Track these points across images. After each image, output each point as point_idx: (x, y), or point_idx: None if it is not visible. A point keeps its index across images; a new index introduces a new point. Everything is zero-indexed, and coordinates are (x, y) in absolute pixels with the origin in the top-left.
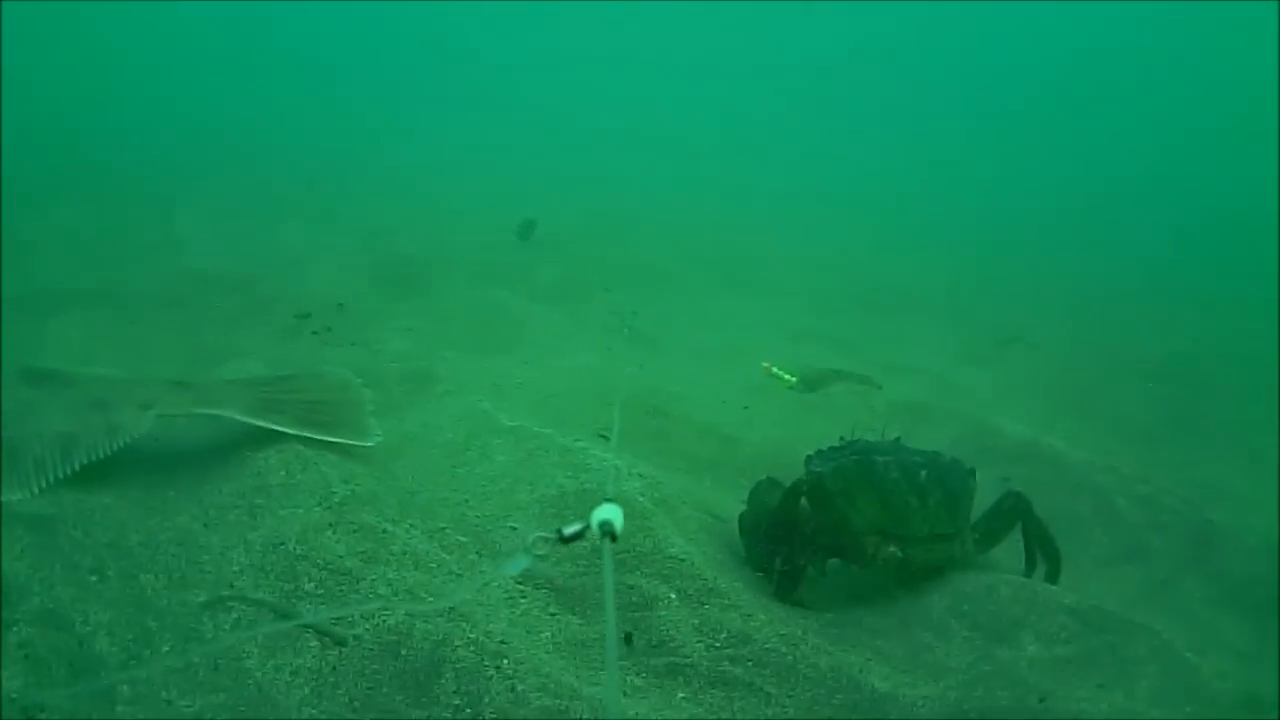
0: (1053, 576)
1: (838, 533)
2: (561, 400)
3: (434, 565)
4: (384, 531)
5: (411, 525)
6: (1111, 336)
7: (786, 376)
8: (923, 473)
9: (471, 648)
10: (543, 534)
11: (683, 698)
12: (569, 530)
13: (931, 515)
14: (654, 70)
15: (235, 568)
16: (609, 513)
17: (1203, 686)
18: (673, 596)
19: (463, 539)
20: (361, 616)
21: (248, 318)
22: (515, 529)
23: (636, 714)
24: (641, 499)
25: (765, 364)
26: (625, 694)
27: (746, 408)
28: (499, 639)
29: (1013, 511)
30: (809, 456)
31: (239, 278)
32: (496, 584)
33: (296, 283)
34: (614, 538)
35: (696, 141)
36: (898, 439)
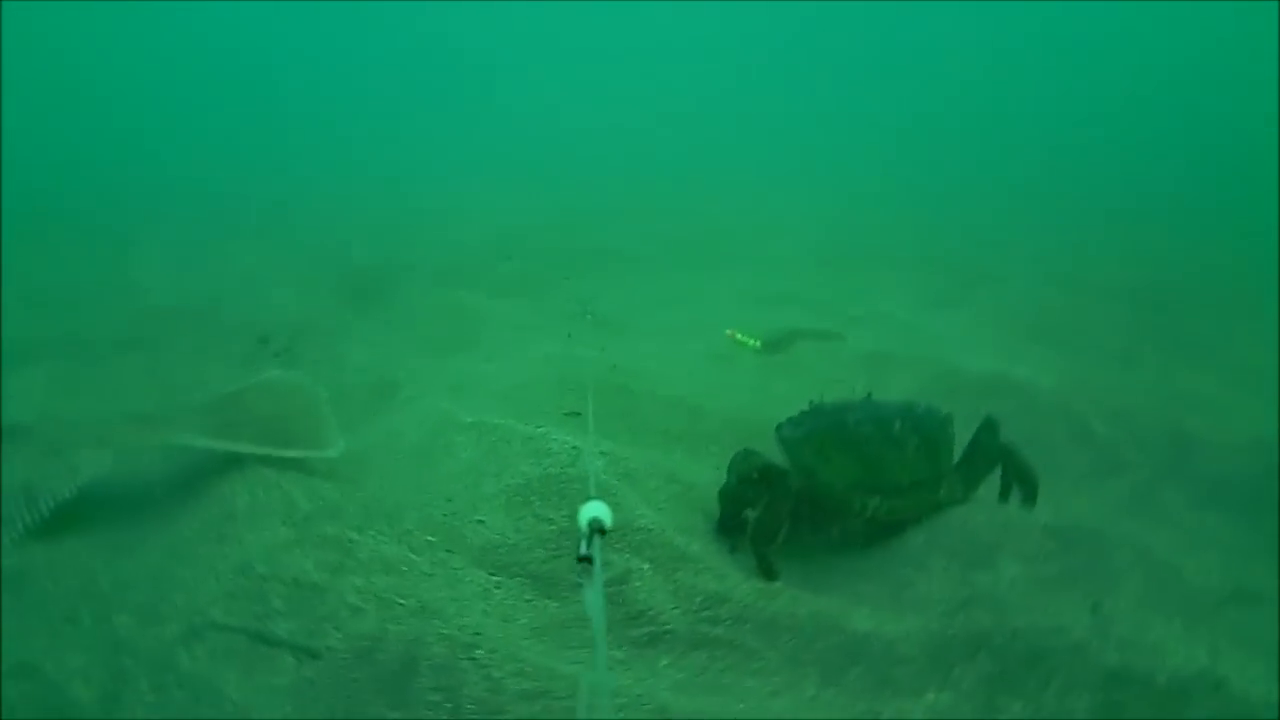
0: (1030, 499)
1: (818, 495)
2: (523, 391)
3: (404, 568)
4: (350, 541)
5: (378, 531)
6: (1084, 267)
7: (750, 341)
8: (897, 423)
9: (444, 643)
10: (579, 564)
11: (666, 665)
12: (584, 550)
13: (910, 464)
14: (625, 64)
15: (207, 597)
16: (596, 510)
17: (1186, 586)
18: (645, 567)
19: (431, 538)
20: (334, 627)
21: (209, 349)
22: (483, 522)
23: (619, 686)
24: (605, 476)
25: (729, 331)
26: (608, 668)
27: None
28: (472, 631)
29: (989, 443)
30: (780, 425)
31: (199, 309)
32: (470, 579)
33: (258, 307)
34: (603, 532)
35: (667, 129)
36: (869, 394)
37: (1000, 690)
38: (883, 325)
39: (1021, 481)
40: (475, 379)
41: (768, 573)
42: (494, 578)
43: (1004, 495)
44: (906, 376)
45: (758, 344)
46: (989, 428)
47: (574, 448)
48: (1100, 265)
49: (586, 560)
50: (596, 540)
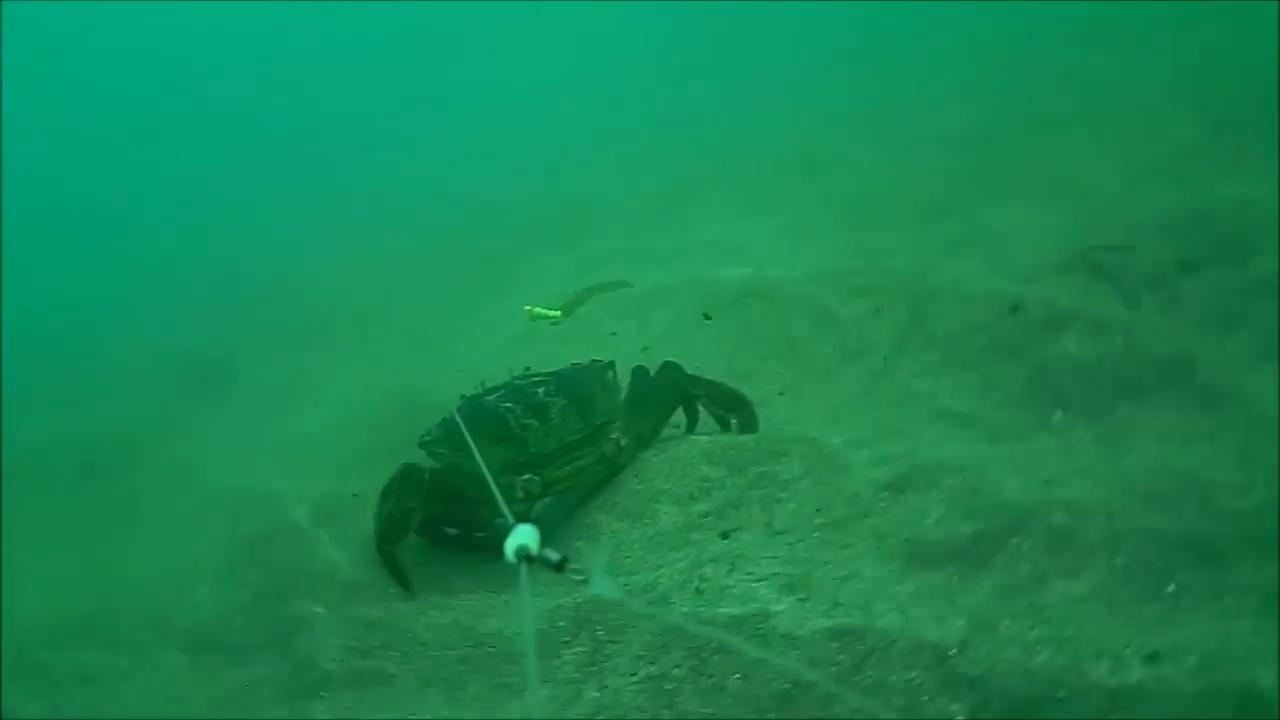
0: (748, 425)
1: (473, 489)
2: (306, 444)
3: (102, 675)
4: (49, 663)
5: (85, 646)
6: (920, 123)
7: (550, 313)
8: (540, 390)
9: None
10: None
11: (320, 711)
12: (555, 560)
13: (557, 427)
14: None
15: None
16: (524, 536)
17: (849, 483)
18: (319, 610)
19: (143, 635)
20: None
21: (35, 493)
22: (195, 602)
23: None
24: (305, 522)
25: (527, 308)
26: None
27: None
28: None
29: (666, 384)
30: (421, 435)
31: (26, 452)
32: (169, 665)
33: (87, 433)
34: (530, 559)
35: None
36: (526, 369)
37: (591, 672)
38: (685, 255)
39: (732, 408)
40: (269, 446)
41: (400, 579)
42: (191, 657)
43: (723, 426)
44: (670, 307)
45: (557, 314)
46: (668, 369)
47: (281, 496)
48: (937, 119)
49: (564, 563)
50: (524, 567)
